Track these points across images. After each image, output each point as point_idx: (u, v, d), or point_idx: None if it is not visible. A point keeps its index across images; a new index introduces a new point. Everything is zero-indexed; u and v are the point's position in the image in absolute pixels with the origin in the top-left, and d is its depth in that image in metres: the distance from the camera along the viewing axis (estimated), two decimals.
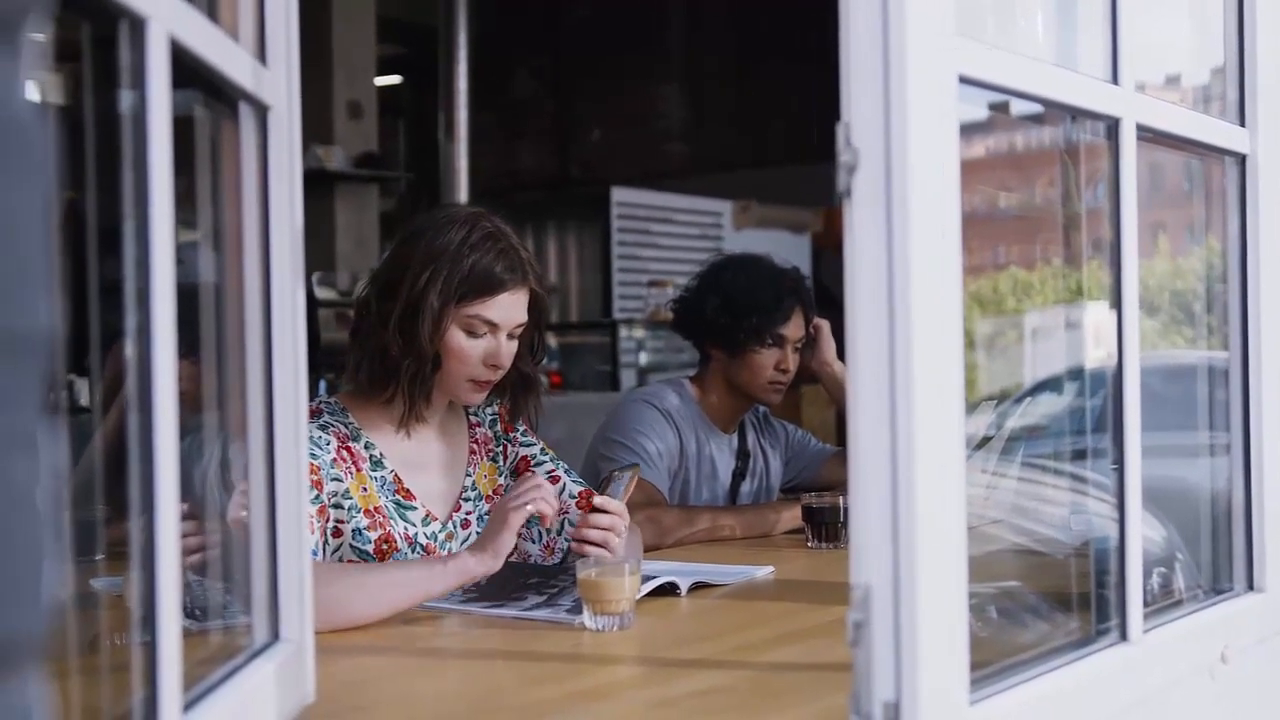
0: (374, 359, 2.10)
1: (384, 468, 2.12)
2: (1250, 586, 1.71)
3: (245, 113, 1.26)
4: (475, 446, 2.27)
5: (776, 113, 8.43)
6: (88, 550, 1.37)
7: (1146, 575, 1.51)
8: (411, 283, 2.05)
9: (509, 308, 2.10)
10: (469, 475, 2.24)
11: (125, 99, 0.95)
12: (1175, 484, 1.78)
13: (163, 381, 0.95)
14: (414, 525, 2.11)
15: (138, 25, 0.93)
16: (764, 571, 2.26)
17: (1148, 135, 1.49)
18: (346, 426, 2.12)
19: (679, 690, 1.50)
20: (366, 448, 2.12)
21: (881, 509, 1.10)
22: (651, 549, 2.58)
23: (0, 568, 0.51)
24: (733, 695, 1.48)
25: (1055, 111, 1.52)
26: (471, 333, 2.09)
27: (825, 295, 4.51)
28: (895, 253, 1.10)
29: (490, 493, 2.25)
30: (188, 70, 1.04)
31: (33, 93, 0.53)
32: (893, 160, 1.10)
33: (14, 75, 0.52)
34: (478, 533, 2.18)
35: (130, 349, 0.96)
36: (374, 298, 2.11)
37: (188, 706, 1.02)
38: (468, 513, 2.21)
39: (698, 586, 2.09)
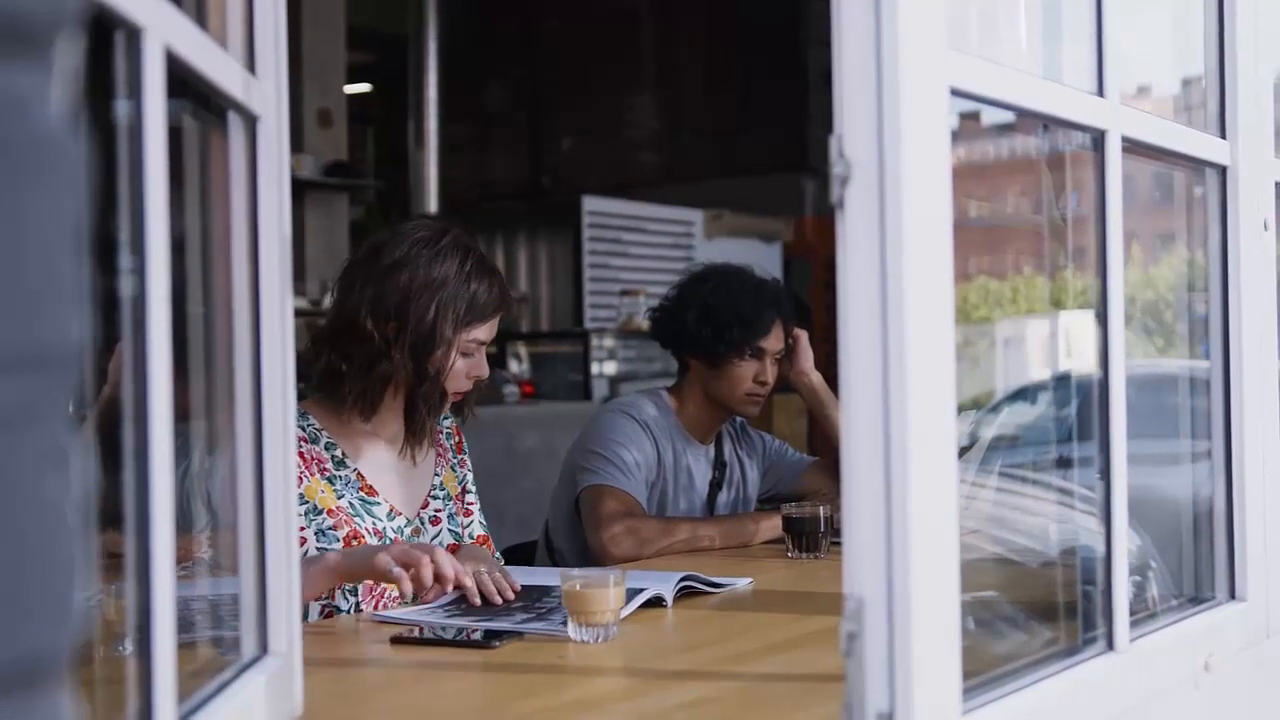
0: (376, 383, 2.15)
1: (347, 467, 2.18)
2: (1232, 595, 1.72)
3: (234, 122, 1.26)
4: (441, 450, 2.35)
5: (748, 122, 8.46)
6: None
7: None
8: (419, 314, 2.12)
9: (495, 326, 2.24)
10: (437, 475, 2.32)
11: (120, 108, 0.94)
12: (1150, 493, 1.79)
13: (157, 392, 0.94)
14: (380, 520, 2.17)
15: (134, 35, 0.92)
16: (743, 583, 2.25)
17: (1131, 146, 1.50)
18: (304, 429, 2.15)
19: (669, 702, 1.50)
20: (328, 449, 2.17)
21: (875, 520, 1.10)
22: (631, 559, 2.58)
23: (35, 584, 0.50)
24: (722, 706, 1.48)
25: (1029, 121, 1.53)
26: (466, 354, 2.19)
27: (797, 304, 4.50)
28: (889, 263, 1.10)
29: (454, 496, 2.34)
30: (179, 80, 1.04)
31: (62, 107, 0.53)
32: (886, 172, 1.10)
33: (45, 90, 0.51)
34: (449, 529, 2.29)
35: (119, 359, 0.95)
36: (368, 321, 2.13)
37: None
38: (436, 510, 2.29)
39: (685, 591, 2.09)
